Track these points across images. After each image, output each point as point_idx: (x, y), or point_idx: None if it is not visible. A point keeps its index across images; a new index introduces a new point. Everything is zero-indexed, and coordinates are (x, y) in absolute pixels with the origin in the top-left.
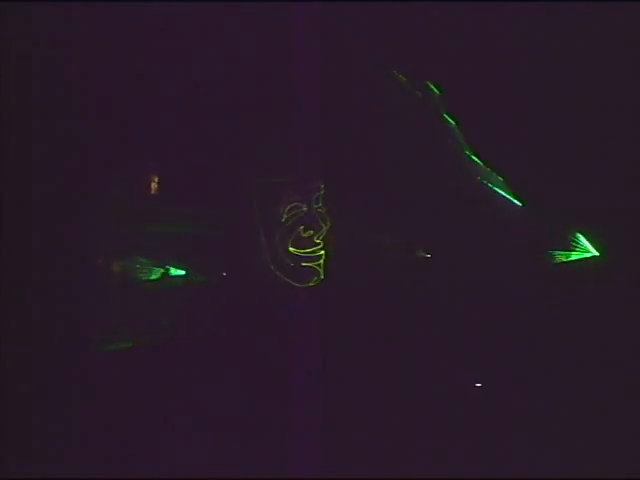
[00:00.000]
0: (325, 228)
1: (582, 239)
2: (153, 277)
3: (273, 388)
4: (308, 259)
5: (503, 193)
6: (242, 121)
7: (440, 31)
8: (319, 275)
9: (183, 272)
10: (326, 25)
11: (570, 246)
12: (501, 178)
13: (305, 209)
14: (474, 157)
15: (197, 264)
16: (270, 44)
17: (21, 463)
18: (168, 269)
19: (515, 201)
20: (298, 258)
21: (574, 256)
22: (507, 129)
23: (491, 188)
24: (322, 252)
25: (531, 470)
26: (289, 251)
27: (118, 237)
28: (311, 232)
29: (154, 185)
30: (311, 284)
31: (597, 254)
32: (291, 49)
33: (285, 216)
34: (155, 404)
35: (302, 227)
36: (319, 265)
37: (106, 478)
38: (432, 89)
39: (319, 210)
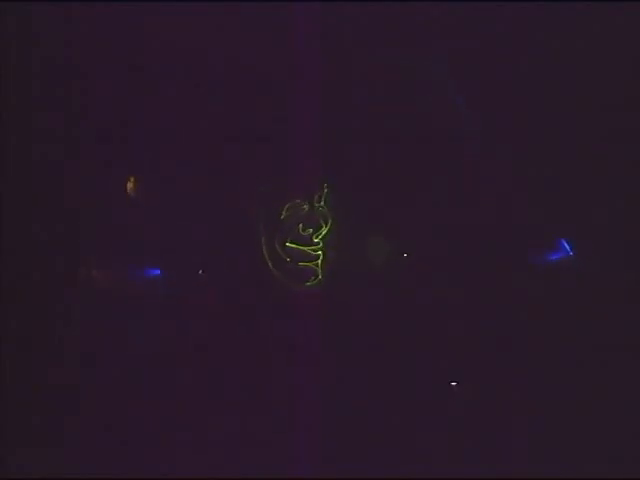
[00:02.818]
0: (325, 228)
1: (564, 241)
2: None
3: (270, 389)
4: (305, 258)
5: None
6: (241, 120)
7: (441, 31)
8: (317, 275)
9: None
10: (326, 25)
11: (552, 247)
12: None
13: (306, 207)
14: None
15: (192, 261)
16: (270, 44)
17: (21, 463)
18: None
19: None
20: (296, 256)
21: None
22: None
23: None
24: (320, 252)
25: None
26: (286, 246)
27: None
28: (310, 230)
29: (130, 185)
30: (309, 284)
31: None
32: (291, 49)
33: (284, 213)
34: (155, 405)
35: (301, 225)
36: (317, 265)
37: (106, 478)
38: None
39: (320, 209)
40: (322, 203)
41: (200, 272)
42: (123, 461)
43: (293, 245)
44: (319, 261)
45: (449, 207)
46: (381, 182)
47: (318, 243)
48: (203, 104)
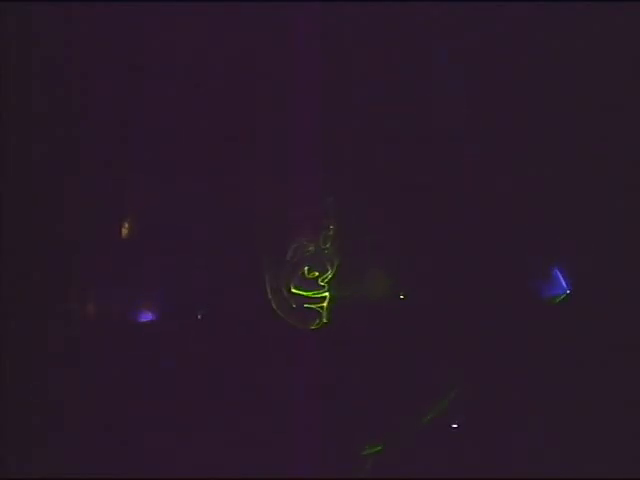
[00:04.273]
0: (331, 271)
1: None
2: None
3: (270, 391)
4: (310, 301)
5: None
6: (241, 120)
7: (441, 31)
8: (321, 318)
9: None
10: (326, 25)
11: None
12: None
13: (312, 249)
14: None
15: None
16: (270, 44)
17: (21, 463)
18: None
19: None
20: (300, 299)
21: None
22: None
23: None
24: (326, 295)
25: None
26: (291, 291)
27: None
28: (316, 274)
29: (124, 230)
30: (313, 327)
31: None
32: (291, 49)
33: (290, 254)
34: (155, 405)
35: (307, 268)
36: (322, 308)
37: (106, 478)
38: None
39: (326, 252)
40: (328, 245)
41: (199, 316)
42: (123, 461)
43: (298, 291)
44: (324, 304)
45: (451, 212)
46: (381, 183)
47: (323, 287)
48: (201, 107)
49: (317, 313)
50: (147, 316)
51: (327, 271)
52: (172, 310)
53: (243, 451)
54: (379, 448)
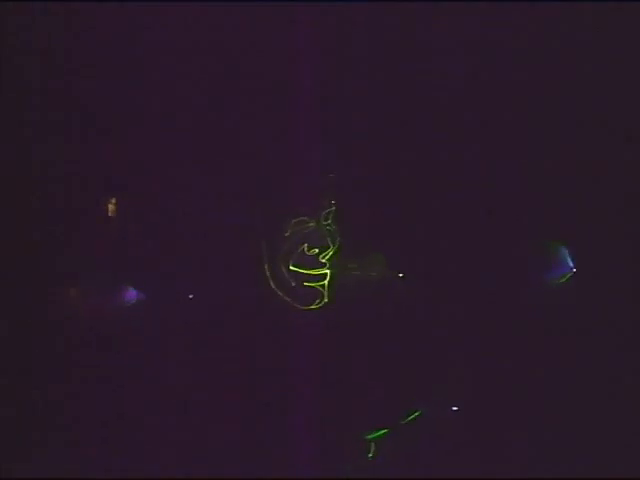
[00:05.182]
0: (332, 248)
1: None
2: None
3: (269, 393)
4: (310, 279)
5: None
6: (241, 121)
7: (441, 31)
8: (322, 297)
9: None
10: (326, 25)
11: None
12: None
13: (312, 225)
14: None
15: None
16: (270, 44)
17: (21, 463)
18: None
19: None
20: (300, 277)
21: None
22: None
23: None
24: (326, 273)
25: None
26: (290, 269)
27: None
28: (316, 250)
29: (111, 207)
30: (313, 307)
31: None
32: (291, 49)
33: (290, 230)
34: (154, 406)
35: (306, 244)
36: (323, 286)
37: (106, 478)
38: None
39: (328, 228)
40: (329, 221)
41: (190, 296)
42: (123, 461)
43: (297, 269)
44: (325, 282)
45: (450, 210)
46: (381, 182)
47: (324, 264)
48: (203, 105)
49: (318, 292)
50: (141, 300)
51: (328, 247)
52: (171, 293)
53: (243, 436)
54: (384, 432)
